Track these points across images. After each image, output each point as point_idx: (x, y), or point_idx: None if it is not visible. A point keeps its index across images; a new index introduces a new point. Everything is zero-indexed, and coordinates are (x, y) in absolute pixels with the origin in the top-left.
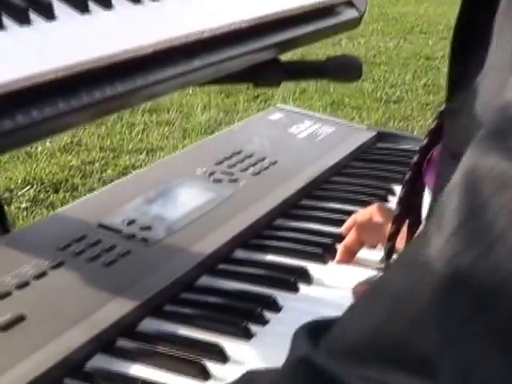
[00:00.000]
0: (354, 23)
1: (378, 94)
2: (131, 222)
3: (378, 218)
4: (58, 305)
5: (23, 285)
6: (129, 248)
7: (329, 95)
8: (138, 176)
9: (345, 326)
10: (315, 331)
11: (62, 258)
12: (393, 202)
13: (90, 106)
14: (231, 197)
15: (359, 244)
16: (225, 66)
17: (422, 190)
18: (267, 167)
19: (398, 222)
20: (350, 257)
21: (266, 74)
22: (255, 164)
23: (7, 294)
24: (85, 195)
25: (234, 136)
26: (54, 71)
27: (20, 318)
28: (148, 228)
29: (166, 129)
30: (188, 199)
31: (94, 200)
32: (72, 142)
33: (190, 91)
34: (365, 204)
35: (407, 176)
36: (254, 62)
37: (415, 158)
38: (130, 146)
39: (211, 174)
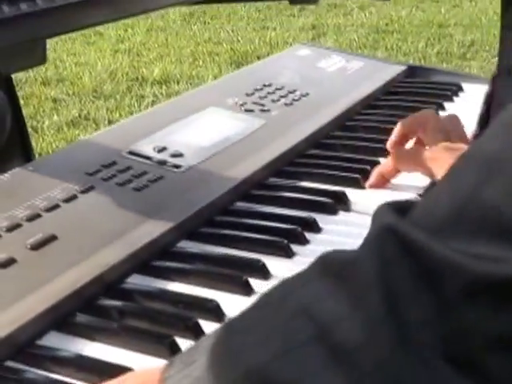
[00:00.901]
0: None
1: None
2: (162, 150)
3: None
4: (90, 226)
5: (53, 207)
6: (160, 174)
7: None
8: (168, 105)
9: (432, 199)
10: (399, 208)
11: (91, 183)
12: None
13: None
14: (263, 126)
15: (394, 171)
16: None
17: None
18: (298, 99)
19: None
20: (383, 182)
21: None
22: (286, 96)
23: (37, 216)
24: None
25: (263, 70)
26: None
27: (51, 238)
28: (180, 155)
29: None
30: (219, 128)
31: (123, 128)
32: (80, 116)
33: (200, 62)
34: None
35: (481, 110)
36: None
37: (488, 89)
38: None
39: (242, 104)
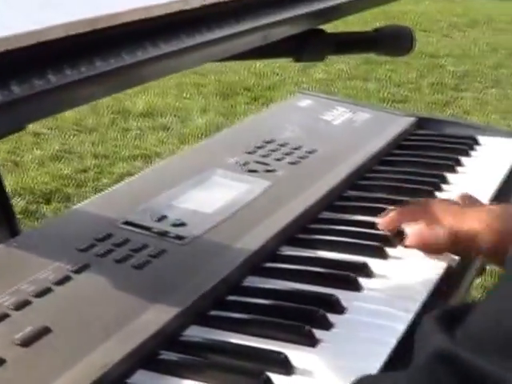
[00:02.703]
0: None
1: (383, 94)
2: (162, 218)
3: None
4: (88, 314)
5: (44, 292)
6: (162, 247)
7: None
8: (163, 167)
9: (491, 313)
10: (447, 320)
11: (86, 261)
12: (446, 191)
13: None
14: (269, 188)
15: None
16: (268, 32)
17: None
18: (304, 156)
19: None
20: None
21: (310, 47)
22: (291, 153)
23: (26, 303)
24: None
25: (263, 124)
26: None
27: (44, 331)
28: (182, 224)
29: (163, 134)
30: (222, 191)
31: (116, 194)
32: (62, 150)
33: (186, 94)
34: (413, 193)
35: None
36: (296, 30)
37: None
38: (125, 153)
39: (244, 164)
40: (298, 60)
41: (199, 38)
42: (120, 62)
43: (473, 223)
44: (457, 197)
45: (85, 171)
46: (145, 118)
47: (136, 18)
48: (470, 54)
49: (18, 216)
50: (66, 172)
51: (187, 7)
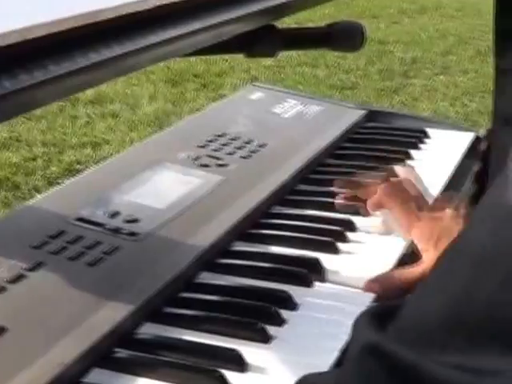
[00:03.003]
0: None
1: (333, 81)
2: (115, 215)
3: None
4: (44, 313)
5: None
6: (115, 244)
7: (281, 82)
8: (113, 163)
9: (415, 305)
10: (379, 316)
11: (39, 258)
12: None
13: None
14: (222, 183)
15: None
16: (220, 31)
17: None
18: (256, 150)
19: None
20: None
21: (262, 43)
22: (242, 147)
23: None
24: (28, 194)
25: (214, 117)
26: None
27: (0, 330)
28: (134, 220)
29: (112, 121)
30: (174, 186)
31: (68, 190)
32: (10, 138)
33: (135, 81)
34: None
35: (476, 167)
36: (249, 27)
37: (482, 146)
38: (74, 141)
39: (196, 158)
40: (249, 56)
41: (152, 39)
42: (73, 65)
43: (420, 239)
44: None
45: (33, 159)
46: (94, 105)
47: (89, 21)
48: (418, 40)
49: None
50: (14, 160)
51: (140, 9)
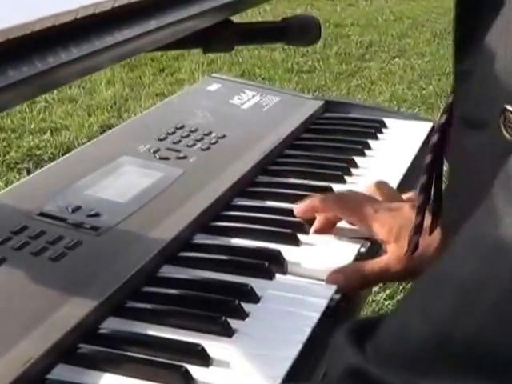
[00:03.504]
0: None
1: (290, 64)
2: (77, 209)
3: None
4: (7, 310)
5: None
6: (78, 238)
7: (238, 66)
8: (74, 157)
9: (397, 327)
10: (358, 334)
11: (2, 254)
12: (356, 175)
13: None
14: (182, 176)
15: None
16: (176, 29)
17: (442, 174)
18: (215, 142)
19: (422, 212)
20: (328, 228)
21: (218, 38)
22: (202, 139)
23: None
24: None
25: (173, 109)
26: None
27: None
28: (96, 215)
29: (70, 106)
30: (135, 180)
31: (29, 185)
32: None
33: None
34: (325, 177)
35: (427, 159)
36: (205, 24)
37: (434, 139)
38: (33, 126)
39: (156, 151)
40: (206, 51)
41: (110, 40)
42: (33, 70)
43: (380, 231)
44: (372, 185)
45: None
46: None
47: (47, 25)
48: (374, 23)
49: None
50: None
51: (97, 11)
